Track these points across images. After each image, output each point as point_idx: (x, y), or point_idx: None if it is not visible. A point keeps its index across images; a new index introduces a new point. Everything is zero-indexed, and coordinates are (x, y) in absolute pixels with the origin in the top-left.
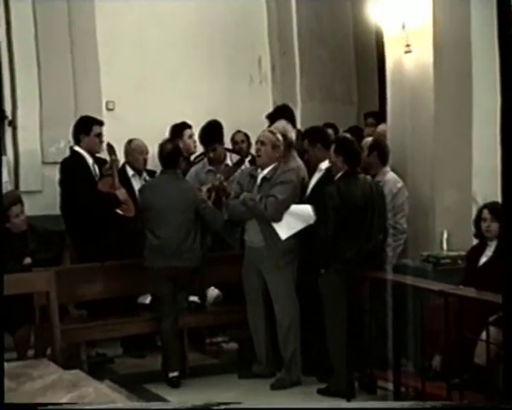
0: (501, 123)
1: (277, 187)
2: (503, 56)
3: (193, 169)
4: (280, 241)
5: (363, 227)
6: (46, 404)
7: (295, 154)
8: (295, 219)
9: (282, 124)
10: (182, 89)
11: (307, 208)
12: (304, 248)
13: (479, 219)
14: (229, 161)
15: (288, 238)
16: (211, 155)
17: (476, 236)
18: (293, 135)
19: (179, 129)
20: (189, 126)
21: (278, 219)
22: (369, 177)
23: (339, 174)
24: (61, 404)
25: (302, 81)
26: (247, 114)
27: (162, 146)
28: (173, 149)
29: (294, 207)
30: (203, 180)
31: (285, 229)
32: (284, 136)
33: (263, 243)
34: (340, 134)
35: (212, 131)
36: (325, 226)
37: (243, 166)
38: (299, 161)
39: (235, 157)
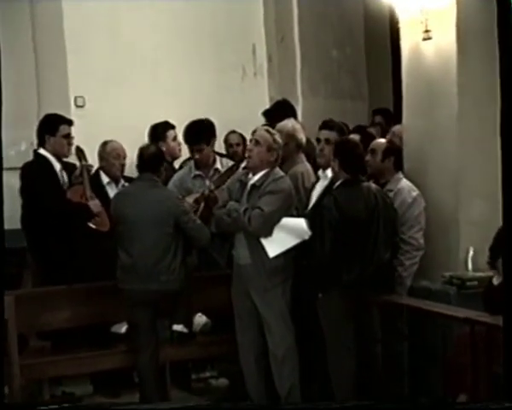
0: (501, 123)
1: (265, 197)
2: (503, 56)
3: (177, 175)
4: (268, 259)
5: (366, 244)
6: (47, 404)
7: (303, 157)
8: (287, 234)
9: (290, 123)
10: (164, 83)
11: (301, 222)
12: (300, 267)
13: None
14: (219, 165)
15: (278, 256)
16: (196, 156)
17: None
18: (303, 136)
19: (161, 130)
20: (173, 127)
21: (264, 234)
22: (374, 185)
23: (337, 183)
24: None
25: (303, 73)
26: (239, 112)
27: (144, 149)
28: (156, 152)
29: (286, 221)
30: (190, 188)
31: (274, 245)
32: (292, 136)
33: (249, 261)
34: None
35: (199, 129)
36: (322, 243)
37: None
38: (308, 166)
39: (227, 162)
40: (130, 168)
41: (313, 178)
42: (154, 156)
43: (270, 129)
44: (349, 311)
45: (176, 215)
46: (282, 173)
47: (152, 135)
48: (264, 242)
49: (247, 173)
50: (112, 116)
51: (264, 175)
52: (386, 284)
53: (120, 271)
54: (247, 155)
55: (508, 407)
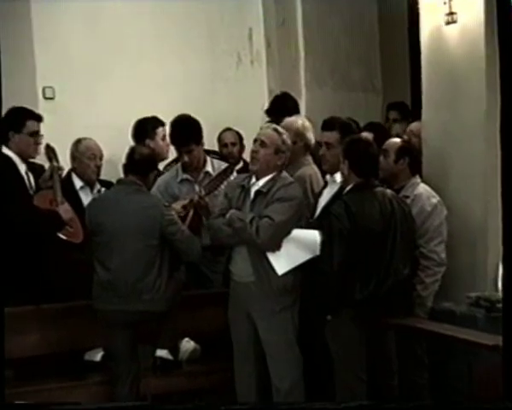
0: (500, 123)
1: (275, 205)
2: (503, 56)
3: (161, 179)
4: (276, 276)
5: (382, 258)
6: (49, 404)
7: (311, 159)
8: (298, 248)
9: (300, 120)
10: (148, 73)
11: (314, 235)
12: (306, 284)
13: None
14: (209, 168)
15: (287, 273)
16: (185, 158)
17: None
18: (312, 136)
19: (150, 126)
20: (162, 124)
21: (274, 247)
22: (389, 191)
23: (348, 187)
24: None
25: (307, 61)
26: (234, 106)
27: (136, 149)
28: (149, 155)
29: (297, 233)
30: (176, 193)
31: (283, 261)
32: (301, 135)
33: (252, 278)
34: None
35: (187, 127)
36: (330, 258)
37: (232, 177)
38: (316, 169)
39: (220, 164)
40: (108, 171)
41: (322, 183)
42: (147, 159)
43: (279, 128)
44: (361, 335)
45: (162, 225)
46: (291, 179)
47: (138, 132)
48: (271, 257)
49: (249, 178)
50: (86, 110)
51: (270, 180)
52: (403, 304)
53: (96, 288)
54: (250, 157)
55: (508, 407)
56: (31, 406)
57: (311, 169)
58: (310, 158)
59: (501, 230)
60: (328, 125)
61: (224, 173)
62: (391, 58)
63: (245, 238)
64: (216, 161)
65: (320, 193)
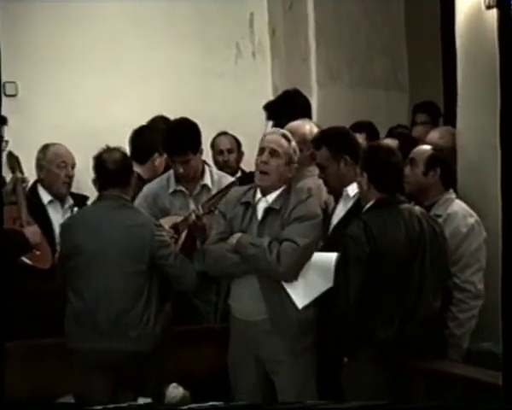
0: (500, 123)
1: (295, 226)
2: (503, 56)
3: (149, 188)
4: (295, 311)
5: (408, 289)
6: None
7: (316, 170)
8: (317, 275)
9: (307, 125)
10: (130, 67)
11: (331, 259)
12: (318, 320)
13: None
14: (208, 181)
15: (308, 306)
16: (180, 170)
17: None
18: None
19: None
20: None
21: (295, 276)
22: (417, 208)
23: (368, 204)
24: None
25: (320, 53)
26: (231, 107)
27: (105, 155)
28: (123, 158)
29: (316, 257)
30: (167, 207)
31: (302, 292)
32: (308, 143)
33: (265, 315)
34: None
35: (184, 134)
36: (346, 288)
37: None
38: (319, 181)
39: (220, 175)
40: (81, 182)
41: (326, 197)
42: (122, 165)
43: (288, 134)
44: (384, 382)
45: (152, 247)
46: (306, 192)
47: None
48: (288, 288)
49: (253, 192)
50: (55, 110)
51: (281, 195)
52: (434, 345)
53: (70, 323)
54: (259, 169)
55: (508, 407)
56: (34, 406)
57: (312, 181)
58: (315, 169)
59: None
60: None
61: (227, 191)
62: (420, 49)
63: (261, 267)
64: (215, 172)
65: (332, 211)
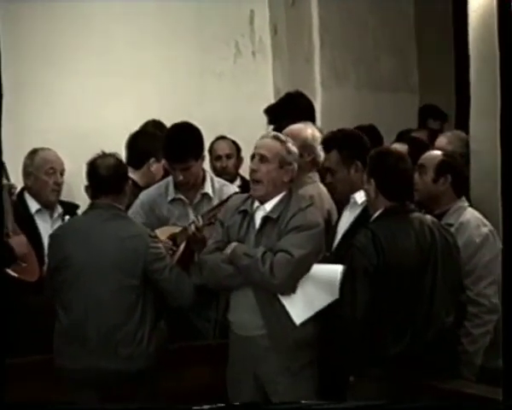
0: (500, 123)
1: (291, 236)
2: (503, 56)
3: (146, 195)
4: (292, 327)
5: (419, 303)
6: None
7: (317, 176)
8: (317, 288)
9: (309, 128)
10: (119, 66)
11: (336, 271)
12: (322, 336)
13: None
14: (209, 190)
15: (307, 322)
16: (180, 177)
17: None
18: (321, 147)
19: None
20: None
21: (292, 289)
22: (428, 217)
23: (376, 213)
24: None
25: (324, 52)
26: (230, 109)
27: (98, 161)
28: (117, 164)
29: (316, 270)
30: (165, 215)
31: (301, 306)
32: (309, 148)
33: (263, 331)
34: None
35: (186, 139)
36: (353, 302)
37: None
38: (322, 188)
39: (221, 183)
40: (70, 189)
41: (329, 205)
42: (115, 172)
43: (281, 136)
44: (390, 401)
45: (146, 260)
46: (307, 200)
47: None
48: (286, 302)
49: (251, 200)
50: (43, 113)
51: (280, 202)
52: (446, 362)
53: (58, 340)
54: (251, 177)
55: (508, 407)
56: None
57: (314, 189)
58: (316, 176)
59: None
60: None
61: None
62: (430, 48)
63: (255, 279)
64: (217, 180)
65: (338, 219)
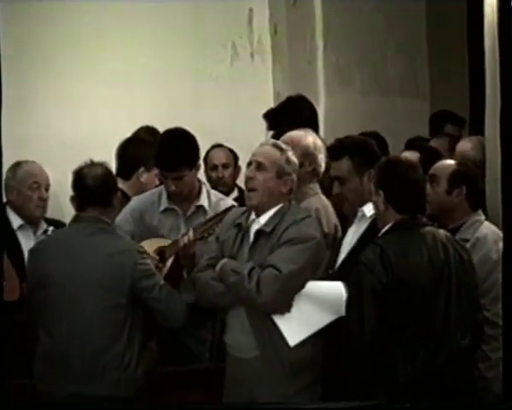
0: (500, 124)
1: (282, 250)
2: (503, 56)
3: (136, 203)
4: (287, 348)
5: (432, 325)
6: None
7: (318, 187)
8: (315, 307)
9: (310, 136)
10: (109, 68)
11: (337, 288)
12: (327, 359)
13: None
14: (204, 202)
15: (303, 343)
16: (172, 187)
17: None
18: (323, 159)
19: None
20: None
21: (281, 307)
22: (442, 231)
23: (385, 227)
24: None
25: (328, 53)
26: (227, 115)
27: (85, 171)
28: (105, 175)
29: (314, 287)
30: (156, 226)
31: (296, 327)
32: (311, 157)
33: (256, 352)
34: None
35: (180, 147)
36: (360, 323)
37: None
38: (325, 201)
39: (218, 196)
40: (59, 202)
41: (335, 219)
42: (103, 182)
43: (281, 144)
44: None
45: (134, 277)
46: (305, 211)
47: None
48: (279, 322)
49: (248, 213)
50: (27, 120)
51: (275, 215)
52: (461, 388)
53: (40, 363)
54: (246, 185)
55: (508, 407)
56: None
57: (318, 201)
58: (317, 187)
59: None
60: (333, 151)
61: (224, 215)
62: (442, 49)
63: (241, 297)
64: (214, 193)
65: (343, 234)
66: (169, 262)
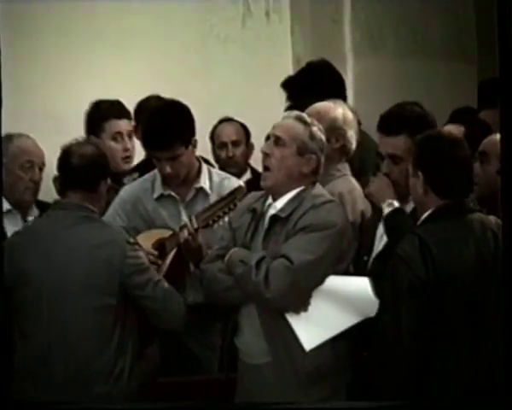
0: (500, 123)
1: (298, 238)
2: (503, 56)
3: (127, 192)
4: (302, 354)
5: (481, 329)
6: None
7: (347, 167)
8: (337, 306)
9: (340, 107)
10: (105, 29)
11: (363, 285)
12: (358, 364)
13: None
14: (205, 183)
15: (322, 347)
16: (167, 169)
17: None
18: (354, 135)
19: (98, 116)
20: (119, 114)
21: (295, 305)
22: (492, 218)
23: (425, 215)
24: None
25: (356, 12)
26: (237, 84)
27: (72, 149)
28: (94, 156)
29: (336, 282)
30: (150, 216)
31: (313, 329)
32: (338, 131)
33: (268, 358)
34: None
35: (170, 120)
36: (396, 326)
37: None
38: (354, 184)
39: (221, 176)
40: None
41: (364, 206)
42: (92, 162)
43: (306, 117)
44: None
45: (123, 273)
46: (327, 195)
47: (86, 125)
48: (293, 322)
49: (265, 197)
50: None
51: (294, 198)
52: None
53: (18, 375)
54: (262, 162)
55: (508, 407)
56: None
57: (344, 184)
58: (346, 168)
59: None
60: (389, 125)
61: (232, 198)
62: (493, 6)
63: (249, 291)
64: (216, 173)
65: (376, 223)
66: (170, 256)
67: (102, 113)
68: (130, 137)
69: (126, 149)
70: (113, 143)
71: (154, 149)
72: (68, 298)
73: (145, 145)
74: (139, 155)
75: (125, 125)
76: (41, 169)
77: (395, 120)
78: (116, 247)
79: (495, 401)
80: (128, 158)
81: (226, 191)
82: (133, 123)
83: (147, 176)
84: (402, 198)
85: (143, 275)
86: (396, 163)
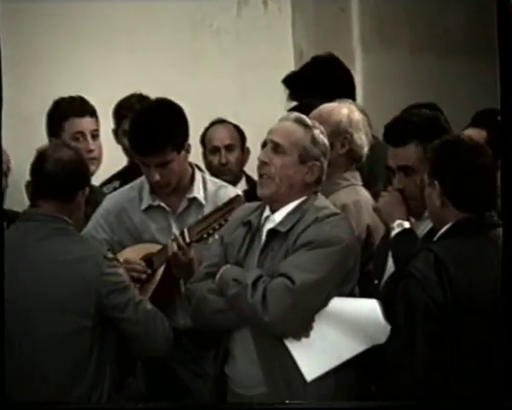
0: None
1: (299, 255)
2: (503, 56)
3: (111, 201)
4: (302, 384)
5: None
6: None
7: (358, 176)
8: (343, 332)
9: (345, 108)
10: (87, 22)
11: (371, 308)
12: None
13: None
14: (198, 193)
15: (324, 378)
16: (156, 177)
17: None
18: (364, 137)
19: (57, 114)
20: (86, 110)
21: (294, 331)
22: None
23: (442, 229)
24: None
25: (365, 1)
26: (233, 81)
27: (47, 152)
28: (75, 160)
29: (341, 305)
30: (137, 229)
31: (315, 357)
32: (344, 134)
33: (263, 389)
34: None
35: (160, 122)
36: (410, 354)
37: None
38: (363, 195)
39: (216, 184)
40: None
41: (371, 220)
42: (69, 168)
43: (306, 119)
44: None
45: (100, 293)
46: (332, 208)
47: (47, 125)
48: (294, 349)
49: (261, 208)
50: None
51: (295, 211)
52: None
53: None
54: (258, 171)
55: (508, 407)
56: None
57: (350, 195)
58: (356, 176)
59: None
60: (395, 134)
61: (229, 209)
62: None
63: (244, 314)
64: (211, 181)
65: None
66: (159, 274)
67: (62, 111)
68: (94, 137)
69: (90, 151)
70: (73, 144)
71: (141, 154)
72: (38, 321)
73: (132, 149)
74: (121, 160)
75: (87, 123)
76: (6, 174)
77: (401, 128)
78: (92, 263)
79: None
80: (93, 160)
81: (222, 202)
82: (113, 125)
83: (133, 184)
84: (419, 215)
85: (123, 295)
86: (408, 175)
